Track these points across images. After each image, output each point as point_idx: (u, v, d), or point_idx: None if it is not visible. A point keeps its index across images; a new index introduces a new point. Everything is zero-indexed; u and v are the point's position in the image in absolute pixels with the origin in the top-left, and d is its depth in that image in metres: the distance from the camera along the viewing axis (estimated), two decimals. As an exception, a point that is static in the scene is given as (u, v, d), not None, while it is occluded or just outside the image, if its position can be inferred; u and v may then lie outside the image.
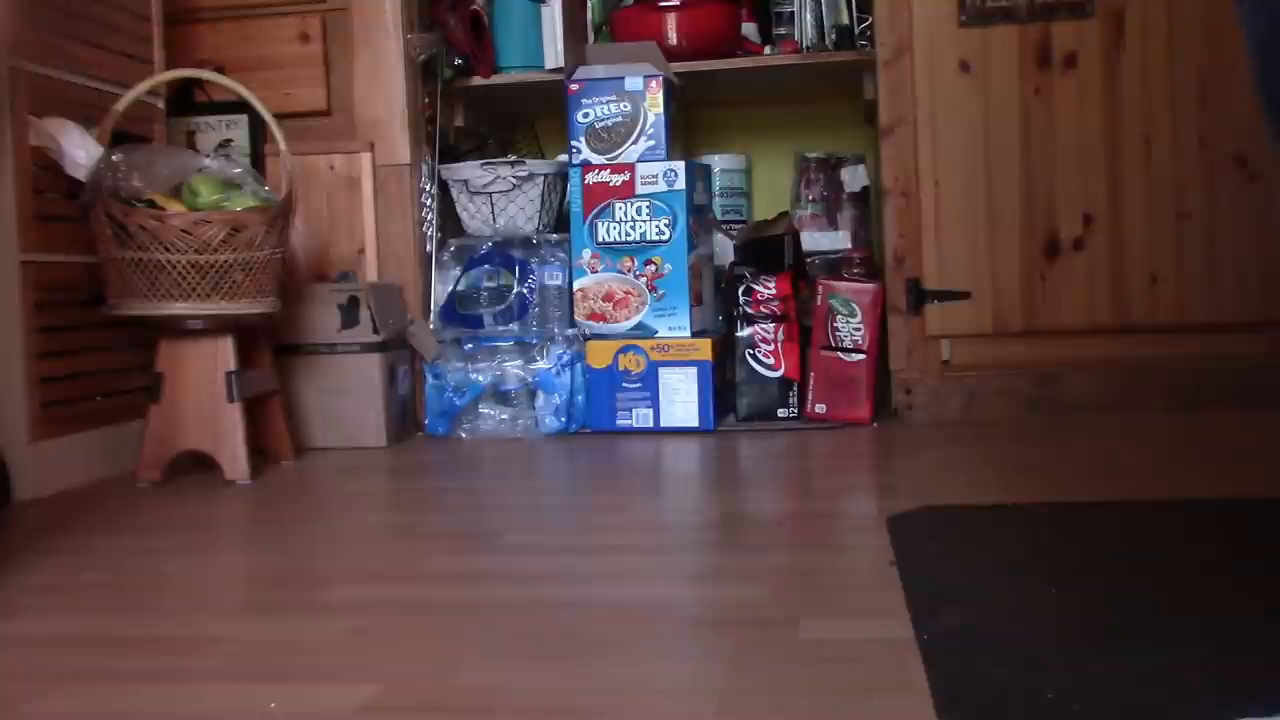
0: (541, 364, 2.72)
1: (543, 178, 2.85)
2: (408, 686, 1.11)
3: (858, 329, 2.67)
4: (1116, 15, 2.65)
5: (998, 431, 2.53)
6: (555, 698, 1.06)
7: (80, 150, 2.14)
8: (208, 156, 2.41)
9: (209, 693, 1.12)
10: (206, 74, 2.46)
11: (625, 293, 2.71)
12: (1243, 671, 0.79)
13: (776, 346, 2.70)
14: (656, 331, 2.70)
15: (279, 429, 2.44)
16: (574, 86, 2.77)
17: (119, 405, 2.37)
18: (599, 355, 2.70)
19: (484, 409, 2.74)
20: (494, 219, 2.87)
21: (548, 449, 2.56)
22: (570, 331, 2.75)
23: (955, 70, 2.70)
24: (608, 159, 2.75)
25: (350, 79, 2.83)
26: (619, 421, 2.69)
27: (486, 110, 3.20)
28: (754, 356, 2.71)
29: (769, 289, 2.69)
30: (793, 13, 2.95)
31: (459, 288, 2.84)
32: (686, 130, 3.24)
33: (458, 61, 2.93)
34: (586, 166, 2.74)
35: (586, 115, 2.76)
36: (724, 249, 2.96)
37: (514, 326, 2.78)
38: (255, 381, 2.34)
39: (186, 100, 2.78)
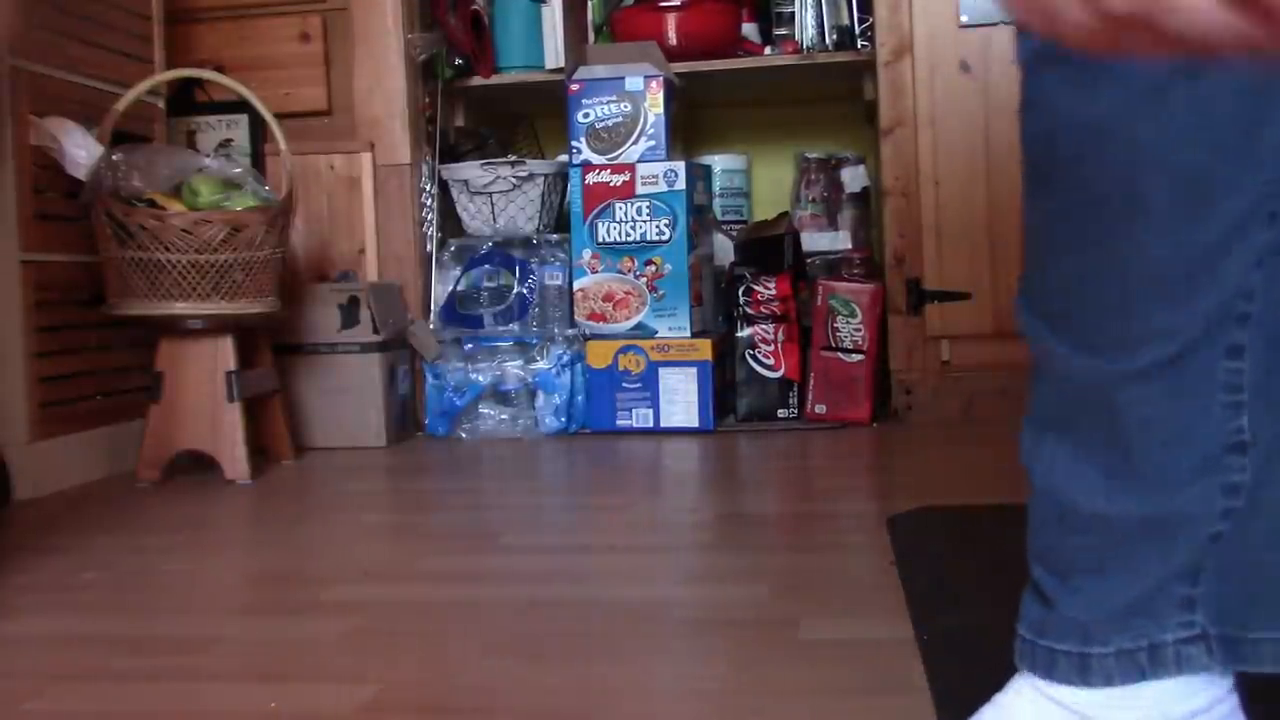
0: (541, 364, 2.72)
1: (543, 178, 2.85)
2: (408, 686, 1.11)
3: (858, 329, 2.67)
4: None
5: (998, 431, 2.53)
6: (555, 698, 1.06)
7: (80, 150, 2.14)
8: (208, 156, 2.41)
9: (209, 693, 1.12)
10: (206, 74, 2.47)
11: (625, 293, 2.71)
12: (1242, 671, 0.79)
13: (776, 347, 2.70)
14: (656, 331, 2.70)
15: (279, 429, 2.44)
16: (574, 86, 2.77)
17: (119, 405, 2.37)
18: (599, 355, 2.70)
19: (484, 409, 2.74)
20: (494, 219, 2.87)
21: (548, 449, 2.56)
22: (570, 331, 2.75)
23: (955, 70, 2.70)
24: (608, 159, 2.75)
25: (350, 79, 2.83)
26: (619, 422, 2.69)
27: (486, 110, 3.20)
28: (754, 357, 2.71)
29: (769, 289, 2.69)
30: (793, 13, 2.95)
31: (459, 288, 2.84)
32: (686, 130, 3.24)
33: (458, 61, 2.93)
34: (587, 166, 2.74)
35: (586, 115, 2.76)
36: (724, 249, 2.96)
37: (514, 326, 2.78)
38: (255, 381, 2.34)
39: (186, 100, 2.78)
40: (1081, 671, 0.78)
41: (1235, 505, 0.75)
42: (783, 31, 2.97)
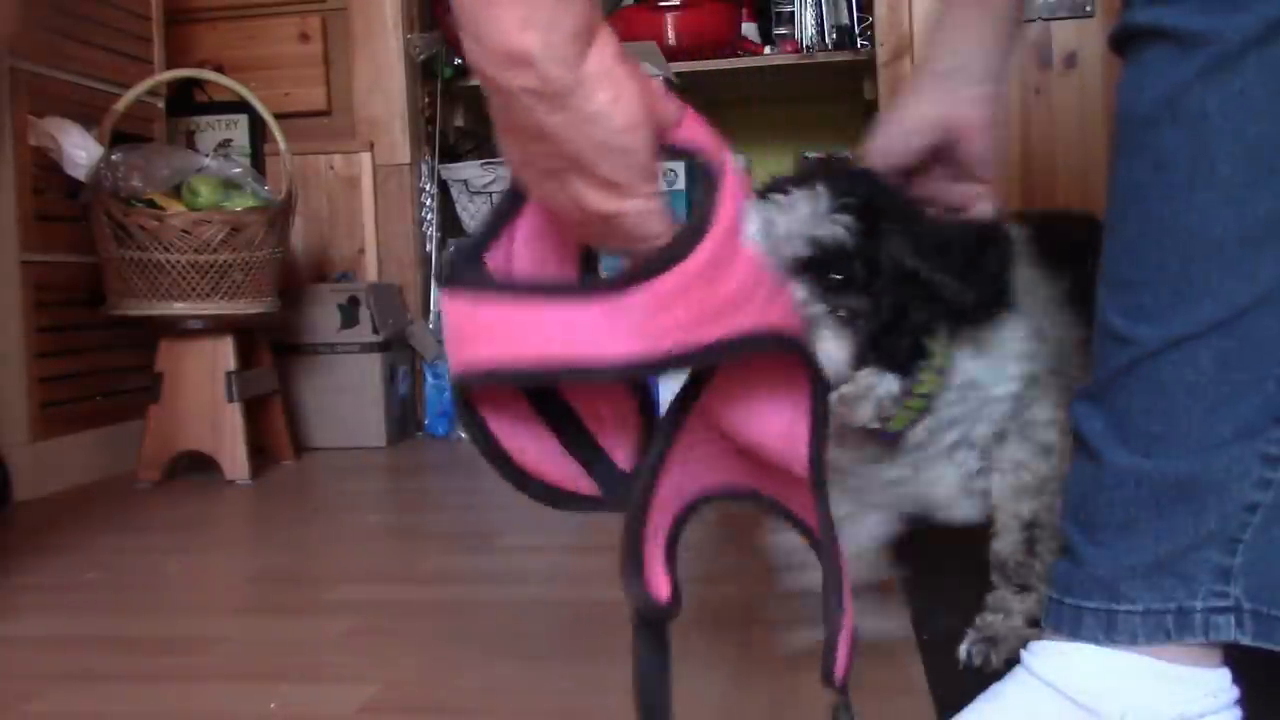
0: (541, 364, 2.71)
1: (543, 178, 2.85)
2: (407, 686, 1.11)
3: (858, 329, 2.67)
4: (1117, 15, 2.64)
5: (998, 431, 2.53)
6: (554, 698, 1.06)
7: (80, 150, 2.14)
8: (208, 156, 2.41)
9: (209, 693, 1.12)
10: (206, 74, 2.47)
11: (625, 293, 2.71)
12: (1242, 670, 0.79)
13: (776, 346, 2.69)
14: (656, 331, 2.69)
15: (279, 429, 2.44)
16: (574, 86, 2.76)
17: (119, 405, 2.37)
18: (599, 355, 2.69)
19: (484, 409, 2.73)
20: (494, 219, 2.87)
21: (548, 449, 2.55)
22: (570, 331, 2.74)
23: (955, 70, 2.69)
24: (608, 159, 2.74)
25: (350, 79, 2.83)
26: (619, 421, 2.68)
27: (486, 110, 3.20)
28: (754, 356, 2.70)
29: (769, 289, 2.69)
30: (793, 13, 2.95)
31: (459, 288, 2.84)
32: (686, 130, 3.24)
33: (458, 61, 2.93)
34: (586, 166, 2.73)
35: (586, 115, 2.76)
36: (724, 249, 2.96)
37: (514, 326, 2.78)
38: (255, 381, 2.34)
39: (186, 100, 2.78)
40: (1108, 629, 0.79)
41: (1274, 477, 0.75)
42: (782, 31, 2.98)
